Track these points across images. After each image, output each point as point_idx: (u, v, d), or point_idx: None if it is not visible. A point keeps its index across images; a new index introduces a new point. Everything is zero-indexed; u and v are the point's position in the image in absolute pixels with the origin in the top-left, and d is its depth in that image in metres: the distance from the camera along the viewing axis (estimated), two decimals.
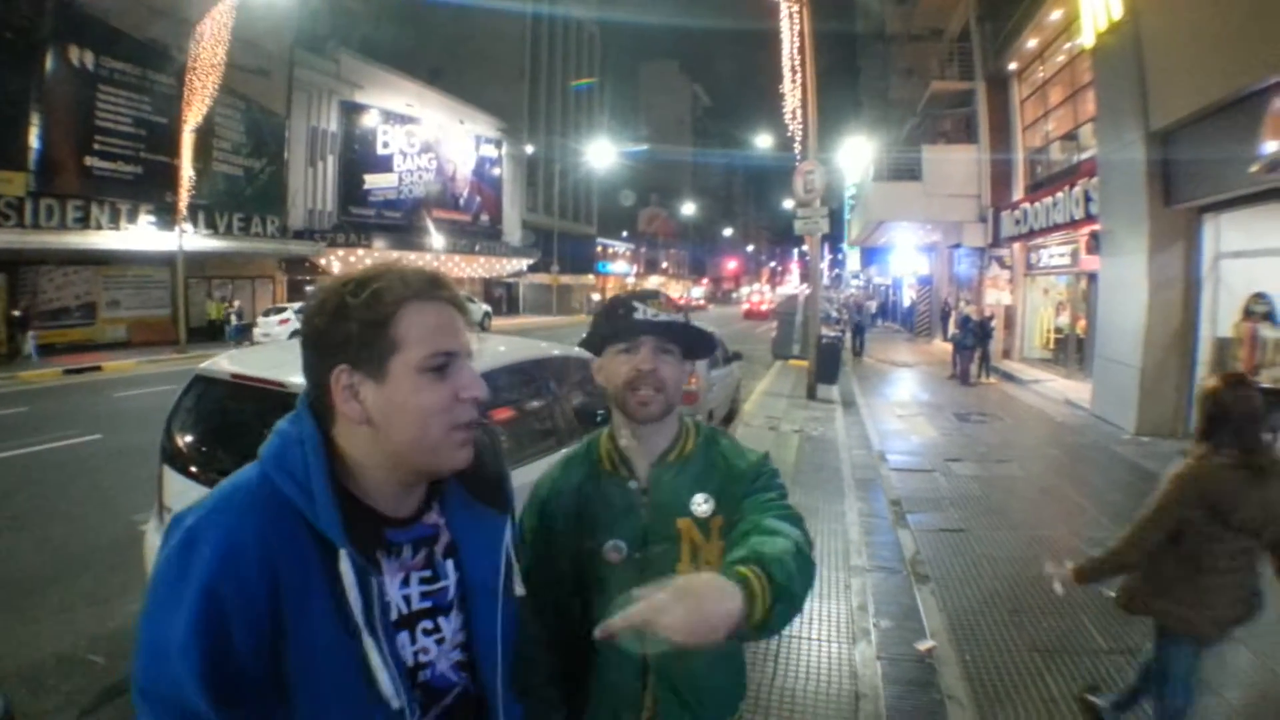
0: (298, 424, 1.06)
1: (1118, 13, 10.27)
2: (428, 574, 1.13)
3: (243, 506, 0.99)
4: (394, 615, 1.08)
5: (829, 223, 13.80)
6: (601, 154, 48.41)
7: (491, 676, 1.19)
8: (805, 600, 1.22)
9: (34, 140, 19.66)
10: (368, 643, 1.00)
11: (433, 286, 1.07)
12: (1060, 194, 14.08)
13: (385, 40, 39.10)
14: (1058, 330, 17.12)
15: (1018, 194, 18.42)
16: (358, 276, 1.05)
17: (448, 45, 45.58)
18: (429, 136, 36.38)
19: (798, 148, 14.02)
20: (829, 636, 4.22)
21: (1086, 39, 11.51)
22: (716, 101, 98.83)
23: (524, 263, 42.53)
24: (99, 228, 20.61)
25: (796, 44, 13.39)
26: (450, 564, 1.16)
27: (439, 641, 1.13)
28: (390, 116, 34.04)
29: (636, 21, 72.75)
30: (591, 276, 57.97)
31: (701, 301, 69.42)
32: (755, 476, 1.50)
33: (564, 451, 1.67)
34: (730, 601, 1.05)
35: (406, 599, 1.10)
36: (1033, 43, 16.92)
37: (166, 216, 21.36)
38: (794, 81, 13.74)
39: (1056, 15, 14.96)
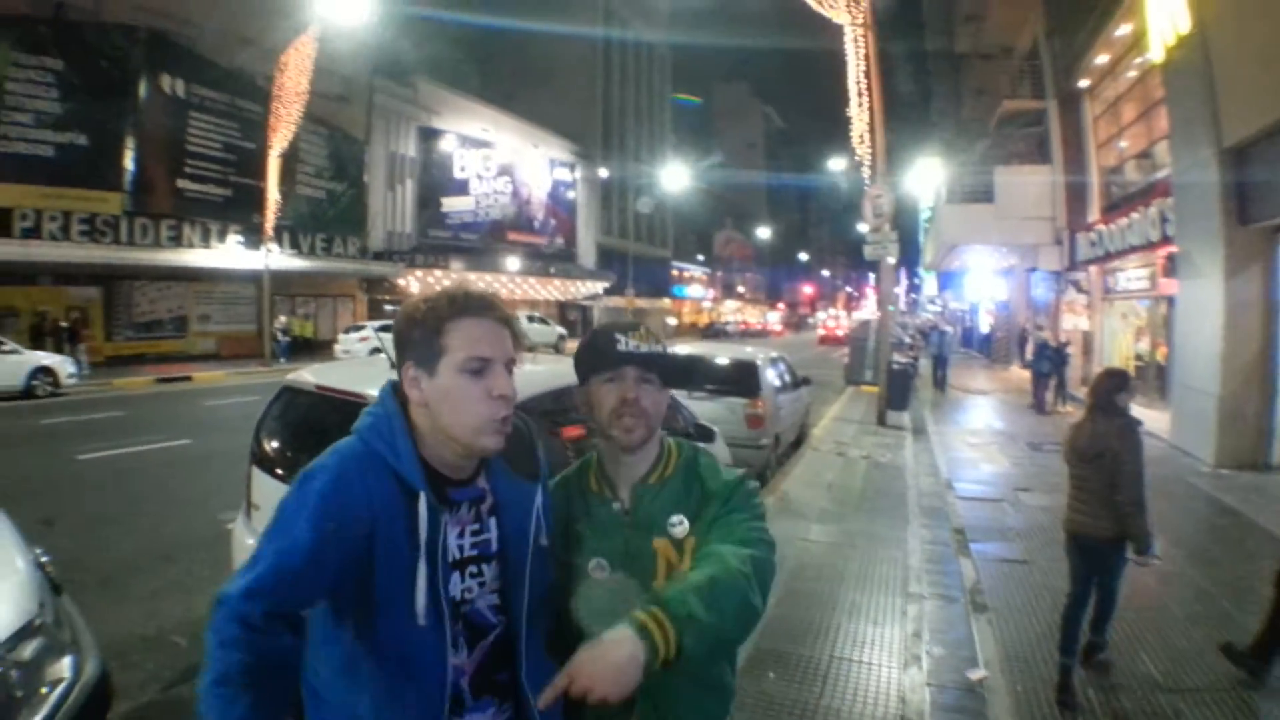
0: (383, 404, 1.42)
1: (1185, 27, 9.91)
2: (475, 527, 1.45)
3: (349, 455, 1.35)
4: (450, 558, 1.39)
5: (901, 246, 13.61)
6: (675, 177, 48.48)
7: (519, 612, 1.46)
8: (733, 623, 1.29)
9: (129, 163, 20.97)
10: (420, 568, 1.31)
11: (481, 306, 1.38)
12: (1136, 214, 13.63)
13: (460, 67, 40.24)
14: (1137, 357, 16.49)
15: (1093, 215, 17.84)
16: (427, 296, 1.40)
17: (520, 70, 46.36)
18: (504, 160, 37.25)
19: (866, 171, 13.90)
20: (880, 661, 4.24)
21: (1155, 54, 11.15)
22: (789, 123, 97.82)
23: (599, 285, 42.81)
24: (190, 246, 21.82)
25: (862, 67, 13.32)
26: (494, 521, 1.48)
27: (481, 584, 1.44)
28: (466, 141, 35.03)
29: (708, 45, 72.95)
30: (667, 300, 57.25)
31: (780, 328, 68.39)
32: (728, 497, 1.55)
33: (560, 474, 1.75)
34: (627, 647, 1.16)
35: (460, 547, 1.42)
36: (1103, 59, 16.41)
37: (253, 236, 22.56)
38: (861, 105, 13.62)
39: (1125, 30, 14.46)
